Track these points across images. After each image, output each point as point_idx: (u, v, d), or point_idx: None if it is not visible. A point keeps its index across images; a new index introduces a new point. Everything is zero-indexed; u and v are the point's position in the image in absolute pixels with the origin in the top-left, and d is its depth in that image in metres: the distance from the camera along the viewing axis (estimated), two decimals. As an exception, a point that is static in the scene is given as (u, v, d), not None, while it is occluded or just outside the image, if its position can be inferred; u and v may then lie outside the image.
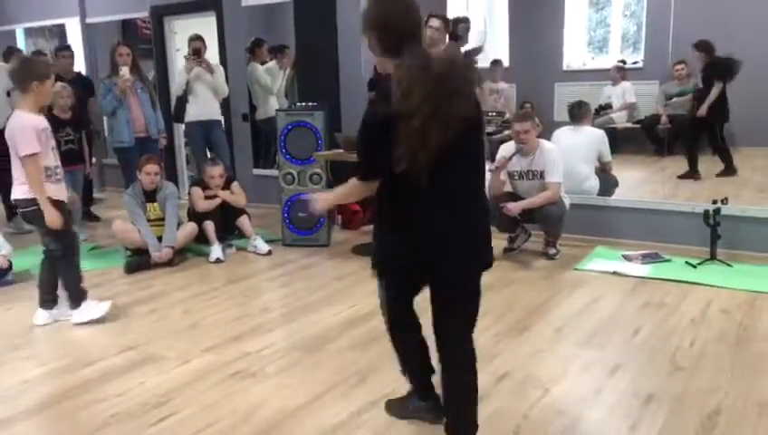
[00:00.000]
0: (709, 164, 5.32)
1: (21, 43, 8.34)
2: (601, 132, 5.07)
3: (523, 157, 4.55)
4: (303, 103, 5.17)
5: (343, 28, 5.79)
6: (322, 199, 2.34)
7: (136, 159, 4.97)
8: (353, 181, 2.15)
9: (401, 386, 2.70)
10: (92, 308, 3.58)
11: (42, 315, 3.60)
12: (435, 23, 4.95)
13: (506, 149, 4.64)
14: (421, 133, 1.85)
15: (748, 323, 3.34)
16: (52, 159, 3.41)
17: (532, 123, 4.48)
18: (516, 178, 4.64)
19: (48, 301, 3.62)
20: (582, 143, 4.89)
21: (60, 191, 3.44)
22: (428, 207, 1.98)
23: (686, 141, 5.46)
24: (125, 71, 5.22)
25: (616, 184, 5.05)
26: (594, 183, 4.94)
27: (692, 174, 5.38)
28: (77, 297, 3.56)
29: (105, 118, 5.55)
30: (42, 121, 3.37)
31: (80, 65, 7.72)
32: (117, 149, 5.45)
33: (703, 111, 5.18)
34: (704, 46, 5.04)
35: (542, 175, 4.50)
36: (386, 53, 1.99)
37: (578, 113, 5.04)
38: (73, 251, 3.54)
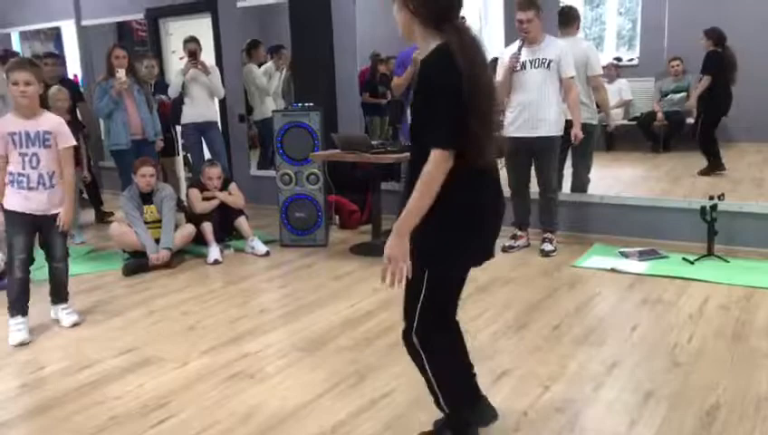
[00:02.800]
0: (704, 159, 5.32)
1: (17, 46, 8.32)
2: (588, 43, 4.95)
3: (529, 47, 4.36)
4: (300, 104, 5.17)
5: (339, 28, 5.80)
6: (392, 248, 1.90)
7: (132, 162, 4.96)
8: (432, 159, 1.83)
9: (401, 385, 2.71)
10: (11, 331, 3.42)
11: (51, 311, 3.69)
12: None
13: (510, 49, 4.47)
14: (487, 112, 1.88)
15: (746, 318, 3.35)
16: (16, 166, 3.32)
17: (536, 11, 4.30)
18: (519, 69, 4.39)
19: (54, 300, 3.67)
20: (570, 53, 4.54)
21: (16, 201, 3.35)
22: (485, 188, 2.00)
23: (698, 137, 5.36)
24: (121, 73, 5.22)
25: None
26: (589, 105, 4.77)
27: (715, 167, 5.24)
28: (10, 310, 3.46)
29: (102, 121, 5.52)
30: (11, 125, 3.31)
31: (75, 68, 7.74)
32: (113, 151, 5.43)
33: (692, 102, 5.13)
34: (710, 34, 4.97)
35: (549, 64, 4.32)
36: (426, 23, 1.91)
37: (568, 15, 4.81)
38: (12, 265, 3.40)
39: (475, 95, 1.83)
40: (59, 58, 6.58)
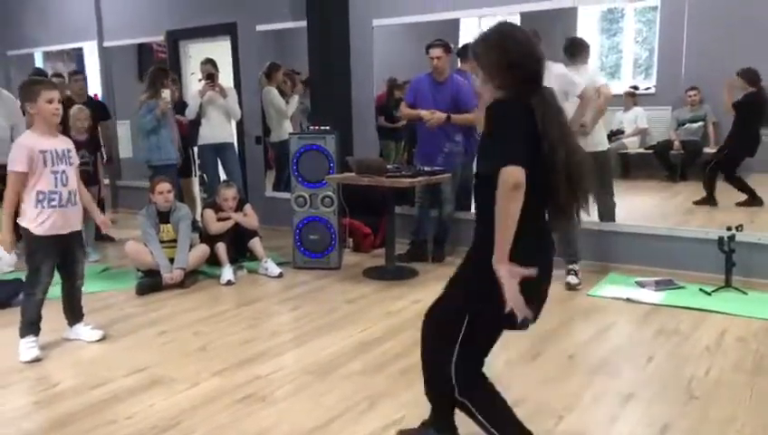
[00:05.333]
0: (724, 190, 5.28)
1: (39, 65, 8.47)
2: (595, 68, 5.03)
3: None
4: (316, 127, 5.20)
5: (356, 53, 5.86)
6: (508, 273, 1.80)
7: (175, 176, 5.29)
8: (504, 179, 1.75)
9: (412, 412, 2.68)
10: (23, 349, 3.41)
11: (66, 332, 3.70)
12: (436, 52, 4.95)
13: None
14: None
15: (765, 351, 3.29)
16: (48, 184, 3.32)
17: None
18: None
19: (74, 318, 3.69)
20: (570, 75, 4.53)
21: (45, 221, 3.32)
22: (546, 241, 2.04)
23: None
24: (167, 93, 5.46)
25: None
26: (598, 131, 4.75)
27: (708, 201, 5.26)
28: (23, 330, 3.45)
29: (141, 137, 5.69)
30: (42, 143, 3.31)
31: (97, 88, 7.86)
32: (160, 166, 5.51)
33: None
34: (744, 75, 4.94)
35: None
36: (507, 89, 1.92)
37: (575, 50, 4.76)
38: (36, 289, 3.40)
39: (551, 153, 1.85)
40: (83, 75, 6.75)
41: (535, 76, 1.92)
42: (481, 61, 1.95)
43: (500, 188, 1.76)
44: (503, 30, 1.95)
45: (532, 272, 1.82)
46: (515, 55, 1.89)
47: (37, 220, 3.34)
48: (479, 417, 2.08)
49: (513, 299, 1.80)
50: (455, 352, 2.02)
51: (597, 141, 4.67)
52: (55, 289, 3.61)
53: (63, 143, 3.46)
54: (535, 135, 1.85)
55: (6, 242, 3.39)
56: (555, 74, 4.38)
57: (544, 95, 1.93)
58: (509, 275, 1.80)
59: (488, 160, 1.88)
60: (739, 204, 5.15)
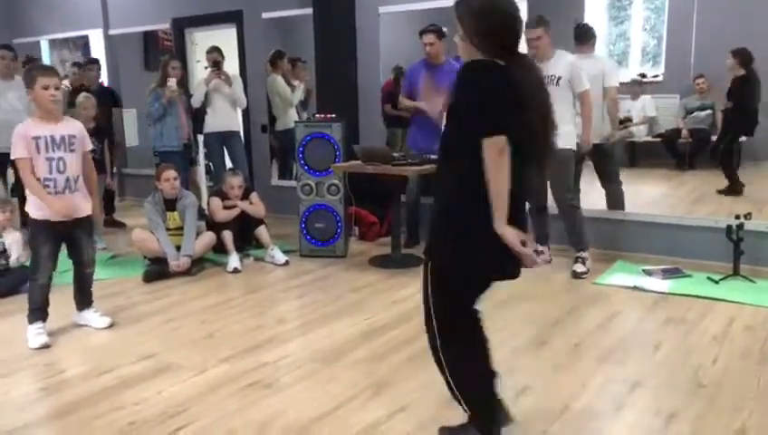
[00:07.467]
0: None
1: (45, 54, 8.47)
2: (606, 57, 5.04)
3: (539, 63, 4.40)
4: (322, 115, 5.19)
5: (362, 41, 5.83)
6: (510, 234, 1.96)
7: (179, 163, 5.29)
8: (488, 150, 1.90)
9: (417, 399, 2.69)
10: (31, 335, 3.43)
11: (75, 317, 3.72)
12: (428, 38, 4.94)
13: None
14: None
15: (772, 340, 3.28)
16: (42, 170, 3.31)
17: (544, 29, 4.31)
18: None
19: (82, 304, 3.70)
20: (581, 66, 4.49)
21: (41, 207, 3.33)
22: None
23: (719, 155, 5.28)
24: (172, 82, 5.53)
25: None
26: (606, 125, 4.73)
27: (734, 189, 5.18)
28: (30, 316, 3.46)
29: (150, 124, 5.77)
30: (35, 129, 3.32)
31: (103, 76, 7.86)
32: (163, 152, 5.63)
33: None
34: (738, 54, 4.90)
35: (558, 81, 4.29)
36: (487, 55, 2.00)
37: (583, 37, 4.78)
38: (38, 274, 3.42)
39: (526, 110, 1.96)
40: (99, 65, 6.76)
41: (513, 44, 2.01)
42: (462, 21, 2.05)
43: (487, 158, 1.91)
44: None
45: (527, 236, 2.02)
46: (497, 23, 2.00)
47: (34, 206, 3.36)
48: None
49: (524, 253, 1.99)
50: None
51: (599, 133, 4.66)
52: (64, 275, 3.62)
53: (66, 129, 3.41)
54: (508, 97, 1.94)
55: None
56: (567, 62, 4.37)
57: (521, 61, 2.02)
58: (514, 239, 1.95)
59: (468, 130, 1.97)
60: (719, 191, 5.16)
